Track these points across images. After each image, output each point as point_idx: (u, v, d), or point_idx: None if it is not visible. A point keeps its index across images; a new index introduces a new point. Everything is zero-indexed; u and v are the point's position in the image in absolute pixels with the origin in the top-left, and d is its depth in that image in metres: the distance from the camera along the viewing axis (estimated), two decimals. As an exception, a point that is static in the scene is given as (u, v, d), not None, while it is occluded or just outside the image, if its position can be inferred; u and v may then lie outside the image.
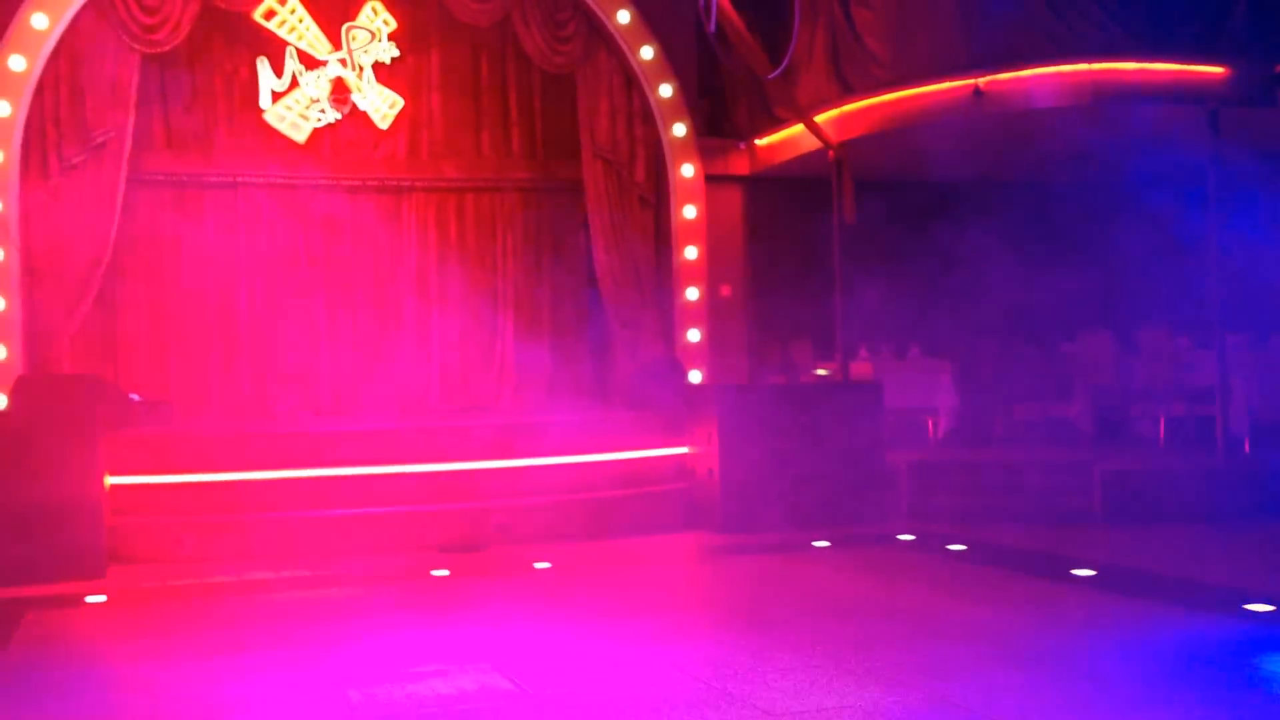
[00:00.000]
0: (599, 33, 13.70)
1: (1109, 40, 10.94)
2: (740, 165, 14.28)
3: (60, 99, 12.15)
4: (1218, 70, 11.05)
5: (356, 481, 9.92)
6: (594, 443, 10.79)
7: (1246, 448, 11.23)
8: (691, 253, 13.87)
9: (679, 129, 13.87)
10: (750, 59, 12.70)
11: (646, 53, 13.71)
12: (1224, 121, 10.99)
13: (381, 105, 13.34)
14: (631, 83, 13.88)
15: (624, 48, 13.70)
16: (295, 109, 13.02)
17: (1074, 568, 8.18)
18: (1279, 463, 10.57)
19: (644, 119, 13.93)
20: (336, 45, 13.09)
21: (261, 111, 12.97)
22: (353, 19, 13.15)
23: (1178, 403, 11.95)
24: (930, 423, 12.75)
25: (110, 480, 9.15)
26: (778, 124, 13.51)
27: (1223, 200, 10.98)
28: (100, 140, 12.13)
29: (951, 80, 11.39)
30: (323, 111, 13.10)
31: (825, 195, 12.84)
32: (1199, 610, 6.91)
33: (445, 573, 8.66)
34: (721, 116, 14.41)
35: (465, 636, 6.67)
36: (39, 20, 11.90)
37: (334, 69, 13.08)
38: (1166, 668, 5.69)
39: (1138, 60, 11.00)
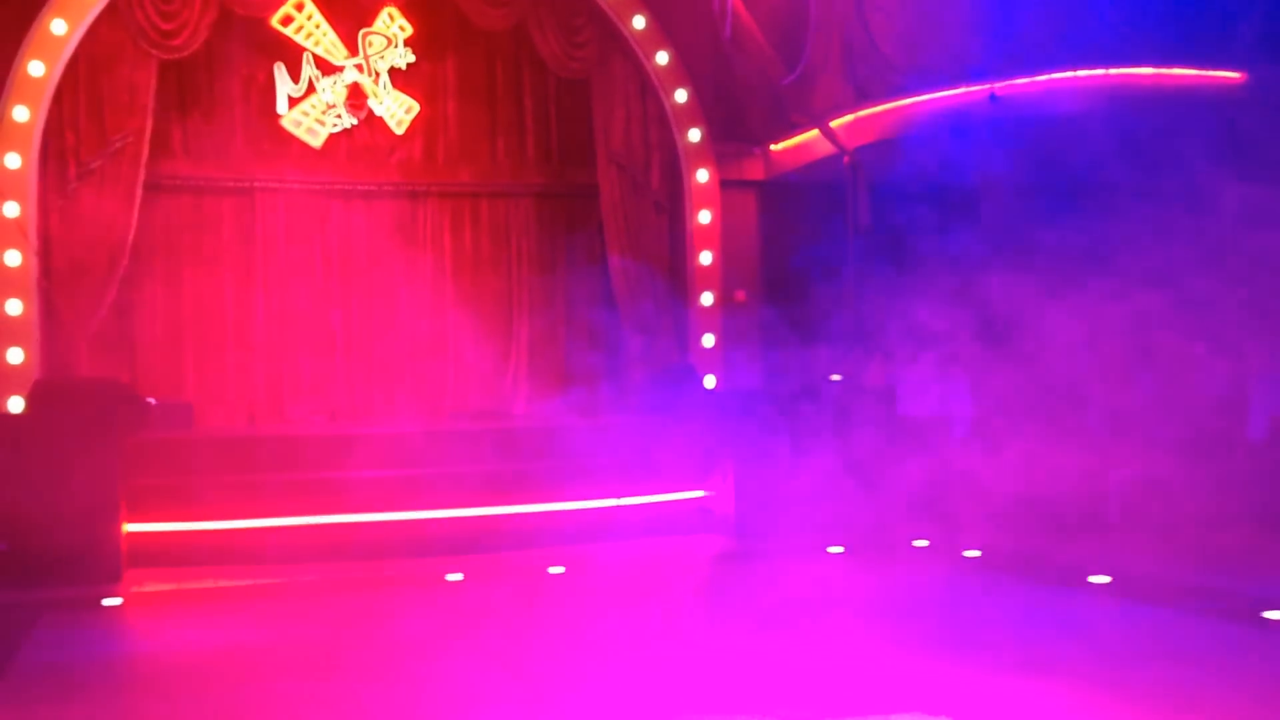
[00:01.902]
0: (614, 38, 13.71)
1: (1125, 45, 10.91)
2: (755, 170, 14.26)
3: (79, 104, 12.21)
4: (1234, 75, 11.01)
5: (370, 485, 9.94)
6: (608, 450, 10.81)
7: (1265, 453, 11.16)
8: (706, 258, 13.87)
9: (694, 134, 13.87)
10: (765, 64, 12.72)
11: (662, 58, 13.71)
12: (1241, 127, 10.94)
13: (397, 111, 13.38)
14: (646, 88, 13.88)
15: (639, 53, 13.71)
16: (312, 114, 13.07)
17: (1090, 574, 8.15)
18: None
19: (659, 124, 13.93)
20: (353, 51, 13.14)
21: (278, 117, 13.02)
22: (369, 25, 13.20)
23: (1195, 408, 11.87)
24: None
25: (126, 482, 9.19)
26: (793, 129, 13.48)
27: (1240, 206, 10.93)
28: (118, 145, 12.19)
29: (967, 85, 11.36)
30: (339, 117, 13.14)
31: (840, 200, 12.83)
32: (1216, 618, 6.88)
33: (459, 576, 8.67)
34: (736, 122, 14.38)
35: (478, 639, 6.68)
36: (58, 26, 11.96)
37: (350, 75, 13.13)
38: (1185, 676, 5.66)
39: (1153, 65, 10.96)
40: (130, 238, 12.27)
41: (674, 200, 14.04)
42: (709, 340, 13.81)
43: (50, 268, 12.11)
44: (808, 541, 9.85)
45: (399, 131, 13.46)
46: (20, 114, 11.89)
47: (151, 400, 11.59)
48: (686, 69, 13.82)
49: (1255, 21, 10.83)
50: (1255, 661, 5.92)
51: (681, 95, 13.81)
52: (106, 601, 8.04)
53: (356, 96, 13.19)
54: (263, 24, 12.77)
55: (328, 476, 10.02)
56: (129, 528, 9.06)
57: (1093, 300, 13.50)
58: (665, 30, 13.70)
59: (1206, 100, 11.03)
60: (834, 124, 12.42)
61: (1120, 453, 11.75)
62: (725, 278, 13.96)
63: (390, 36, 13.24)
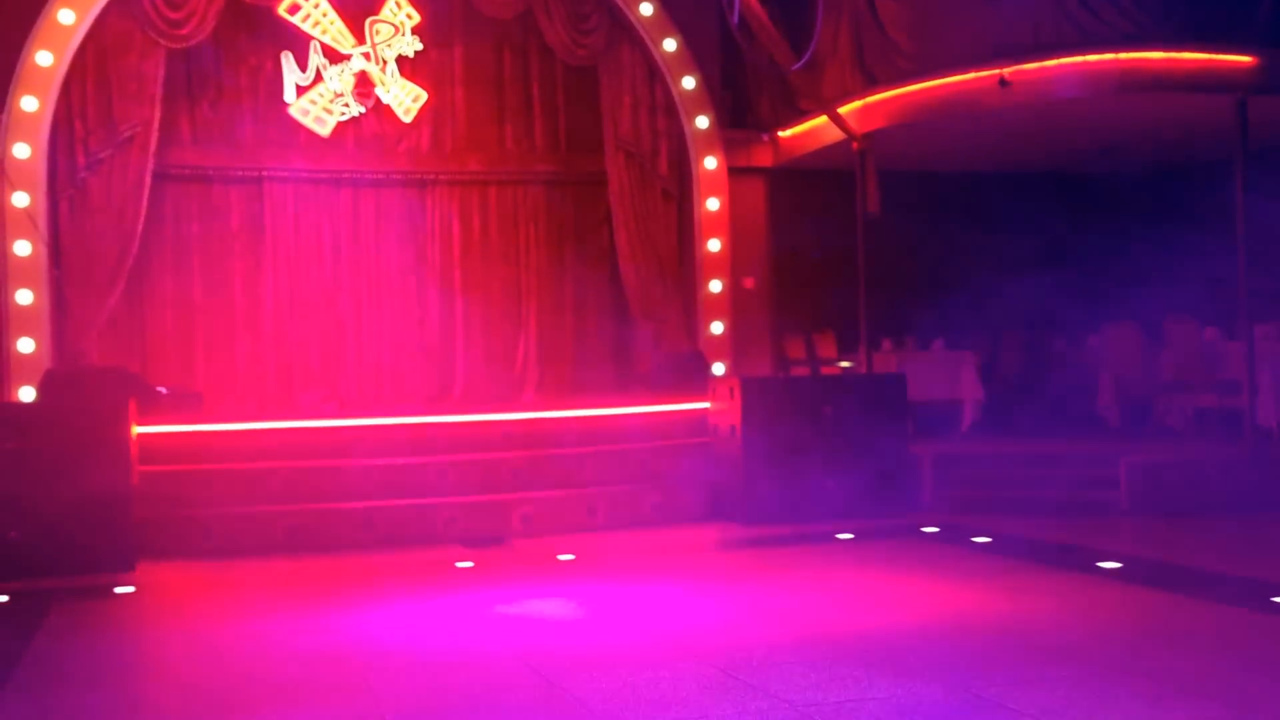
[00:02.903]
0: (621, 25, 13.68)
1: (1136, 29, 10.85)
2: (763, 157, 14.23)
3: (87, 94, 12.23)
4: (1246, 59, 10.94)
5: (380, 473, 9.96)
6: (613, 431, 10.84)
7: (1274, 439, 11.15)
8: (715, 245, 13.85)
9: (702, 121, 13.85)
10: (774, 50, 12.67)
11: (669, 45, 13.68)
12: (1252, 111, 10.89)
13: (405, 99, 13.37)
14: (654, 75, 13.85)
15: (646, 40, 13.68)
16: (319, 103, 13.07)
17: (1100, 560, 8.14)
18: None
19: (667, 111, 13.90)
20: (360, 39, 13.13)
21: (286, 106, 13.02)
22: (376, 13, 13.18)
23: (1205, 394, 11.85)
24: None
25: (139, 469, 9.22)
26: (801, 115, 13.46)
27: (1251, 190, 10.89)
28: (126, 135, 12.21)
29: (976, 71, 11.32)
30: (346, 105, 13.13)
31: (849, 187, 12.81)
32: (1226, 603, 6.87)
33: (469, 564, 8.70)
34: (744, 108, 14.37)
35: (488, 625, 6.70)
36: (66, 16, 11.98)
37: (358, 63, 13.12)
38: (1194, 662, 5.66)
39: (1165, 49, 10.90)
40: (140, 227, 12.29)
41: (682, 187, 14.02)
42: (718, 327, 13.80)
43: (60, 258, 12.15)
44: (817, 529, 9.86)
45: (407, 120, 13.45)
46: (29, 104, 11.92)
47: (162, 389, 11.64)
48: (694, 56, 13.80)
49: (1270, 2, 10.76)
50: (1266, 647, 5.91)
51: (689, 82, 13.79)
52: (119, 590, 8.08)
53: (364, 85, 13.18)
54: (270, 13, 12.77)
55: (336, 464, 10.06)
56: (140, 516, 9.08)
57: (1104, 285, 13.49)
58: (673, 17, 13.68)
59: (1219, 84, 10.97)
60: (842, 110, 12.38)
61: (1131, 438, 11.75)
62: (734, 265, 13.96)
63: (397, 24, 13.22)
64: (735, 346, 13.85)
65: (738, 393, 10.31)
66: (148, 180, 12.31)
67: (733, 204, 13.98)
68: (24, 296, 11.86)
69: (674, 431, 11.12)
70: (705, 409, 10.99)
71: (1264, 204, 11.04)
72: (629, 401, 11.75)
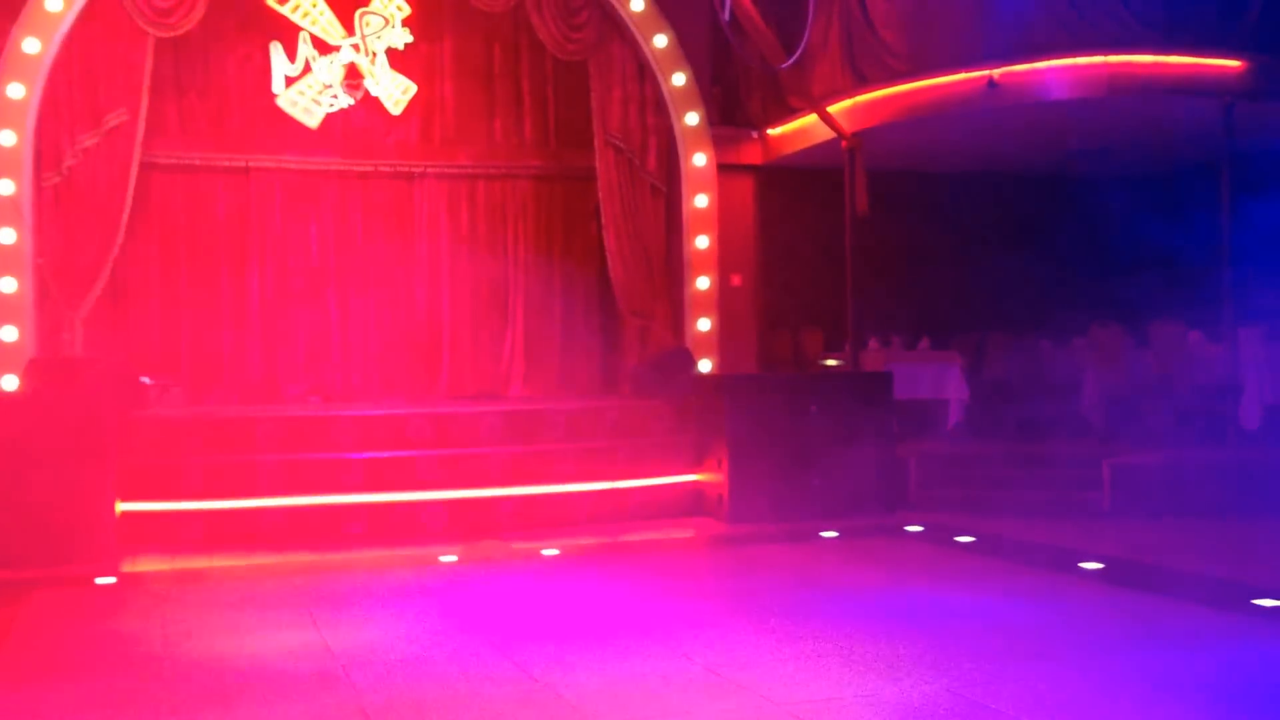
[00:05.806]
0: (612, 21, 13.66)
1: (1125, 32, 10.89)
2: (753, 154, 14.23)
3: (73, 82, 12.15)
4: (1234, 63, 10.99)
5: (365, 467, 9.94)
6: (602, 431, 10.84)
7: (1257, 442, 11.19)
8: (703, 242, 13.84)
9: (691, 118, 13.83)
10: (764, 48, 12.67)
11: (660, 41, 13.67)
12: (1239, 115, 10.94)
13: (394, 91, 13.31)
14: (644, 71, 13.83)
15: (637, 36, 13.66)
16: (308, 94, 13.01)
17: (1082, 561, 8.17)
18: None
19: (656, 107, 13.88)
20: (350, 30, 13.07)
21: (274, 96, 12.95)
22: (366, 4, 13.11)
23: (1189, 396, 11.90)
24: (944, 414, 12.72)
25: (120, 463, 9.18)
26: (791, 113, 13.46)
27: (1237, 194, 10.94)
28: (113, 124, 12.13)
29: (966, 71, 11.34)
30: (335, 97, 13.07)
31: (838, 185, 12.82)
32: (1207, 605, 6.90)
33: (454, 558, 8.68)
34: (734, 105, 14.36)
35: (472, 621, 6.69)
36: (54, 3, 11.90)
37: (347, 54, 13.06)
38: (1172, 663, 5.68)
39: (1154, 53, 10.94)
40: (125, 216, 12.22)
41: (671, 183, 14.00)
42: (705, 324, 13.80)
43: (45, 246, 12.08)
44: (801, 527, 9.87)
45: (396, 112, 13.39)
46: (15, 91, 11.85)
47: (146, 380, 11.59)
48: (685, 52, 13.78)
49: (1259, 6, 10.80)
50: (1246, 649, 5.94)
51: (679, 78, 13.77)
52: (100, 580, 8.05)
53: (353, 76, 13.11)
54: (259, 3, 12.69)
55: (322, 458, 10.03)
56: (122, 507, 9.05)
57: (1088, 285, 13.54)
58: (664, 13, 13.66)
59: (1206, 88, 11.02)
60: (832, 109, 12.39)
61: (1115, 439, 11.78)
62: (721, 261, 13.96)
63: (387, 17, 13.16)
64: (722, 343, 13.85)
65: (723, 390, 10.30)
66: (133, 169, 12.25)
67: (721, 201, 13.97)
68: (7, 285, 11.80)
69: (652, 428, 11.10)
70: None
71: (1249, 208, 11.09)
72: (614, 397, 11.73)
